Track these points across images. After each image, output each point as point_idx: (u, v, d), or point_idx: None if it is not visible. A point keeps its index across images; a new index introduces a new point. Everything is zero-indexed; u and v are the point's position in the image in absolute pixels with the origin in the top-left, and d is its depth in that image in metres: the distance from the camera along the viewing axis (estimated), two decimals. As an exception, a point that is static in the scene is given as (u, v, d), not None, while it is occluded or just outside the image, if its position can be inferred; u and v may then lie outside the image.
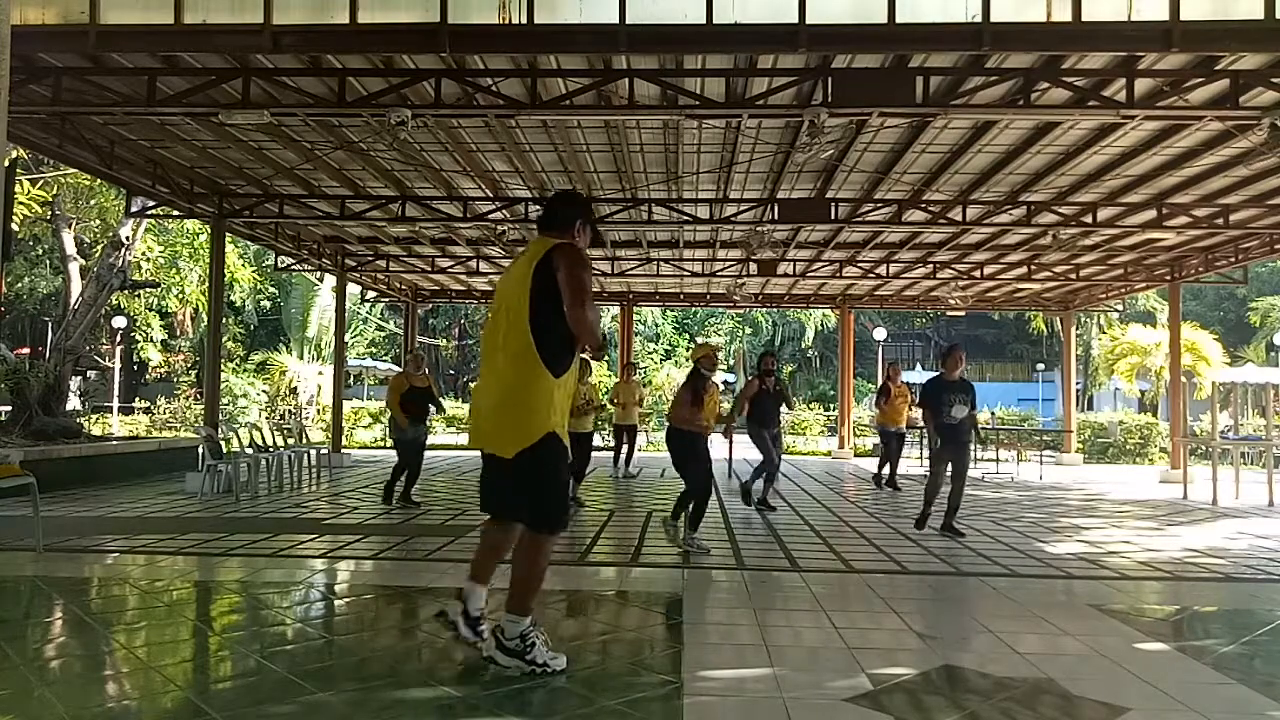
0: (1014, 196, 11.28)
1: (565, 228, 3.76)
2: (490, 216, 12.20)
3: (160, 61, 7.47)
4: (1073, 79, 7.15)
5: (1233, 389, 17.39)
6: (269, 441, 11.89)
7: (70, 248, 15.14)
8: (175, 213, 13.05)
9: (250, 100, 7.41)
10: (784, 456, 9.72)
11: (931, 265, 16.04)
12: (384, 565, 6.27)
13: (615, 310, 23.62)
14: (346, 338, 20.92)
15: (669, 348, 38.74)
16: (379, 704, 3.28)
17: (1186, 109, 7.36)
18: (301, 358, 28.14)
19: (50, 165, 13.88)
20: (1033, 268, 16.05)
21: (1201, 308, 36.09)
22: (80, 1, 6.39)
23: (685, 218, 12.02)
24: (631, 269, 16.48)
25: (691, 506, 6.72)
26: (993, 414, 20.94)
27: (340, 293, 17.44)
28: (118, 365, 25.66)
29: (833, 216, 11.87)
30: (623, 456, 13.15)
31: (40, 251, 25.62)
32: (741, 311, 34.10)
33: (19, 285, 26.25)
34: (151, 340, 28.24)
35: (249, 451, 10.72)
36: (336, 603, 5.24)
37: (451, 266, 17.02)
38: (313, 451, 12.84)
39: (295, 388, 25.80)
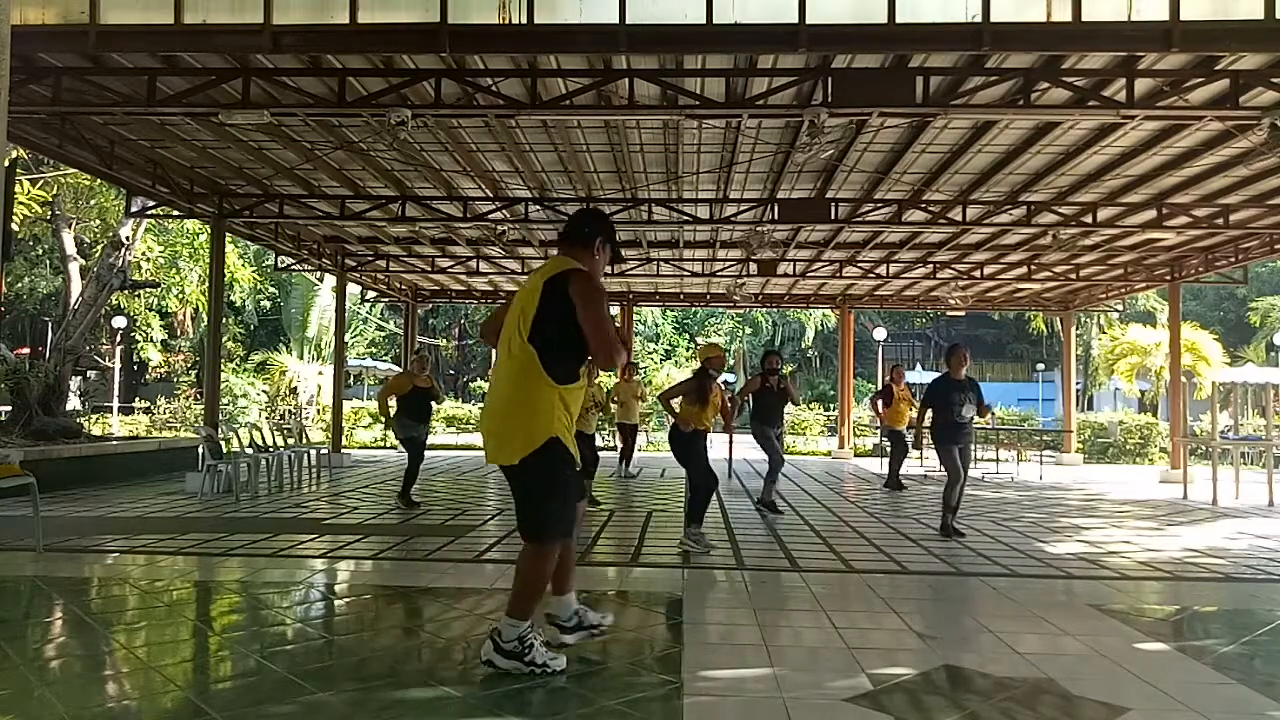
0: (1014, 196, 11.28)
1: (586, 245, 3.82)
2: (490, 216, 12.20)
3: (160, 61, 7.47)
4: (1073, 79, 7.15)
5: (1233, 389, 17.40)
6: (269, 441, 11.90)
7: (70, 248, 15.14)
8: (175, 213, 13.05)
9: (250, 100, 7.41)
10: (784, 456, 9.73)
11: (931, 265, 16.05)
12: (384, 565, 6.27)
13: (615, 310, 23.61)
14: (346, 338, 20.93)
15: (669, 348, 38.76)
16: (379, 704, 3.28)
17: (1186, 109, 7.36)
18: (301, 358, 28.15)
19: (50, 165, 13.88)
20: (1033, 268, 16.06)
21: (1201, 308, 36.09)
22: (80, 1, 6.39)
23: (685, 218, 12.03)
24: (631, 269, 16.49)
25: (691, 499, 6.78)
26: (993, 414, 20.93)
27: (340, 293, 17.45)
28: (118, 365, 25.65)
29: (833, 216, 11.87)
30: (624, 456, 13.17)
31: (40, 251, 25.63)
32: (741, 311, 34.12)
33: (19, 285, 26.26)
34: (151, 340, 28.24)
35: (249, 451, 10.73)
36: (336, 603, 5.24)
37: (451, 266, 17.03)
38: (313, 451, 12.84)
39: (295, 388, 25.81)
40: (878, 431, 16.79)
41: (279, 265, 18.44)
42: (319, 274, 24.12)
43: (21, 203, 13.23)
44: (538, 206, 11.84)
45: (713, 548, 6.74)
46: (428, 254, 16.10)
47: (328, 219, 12.84)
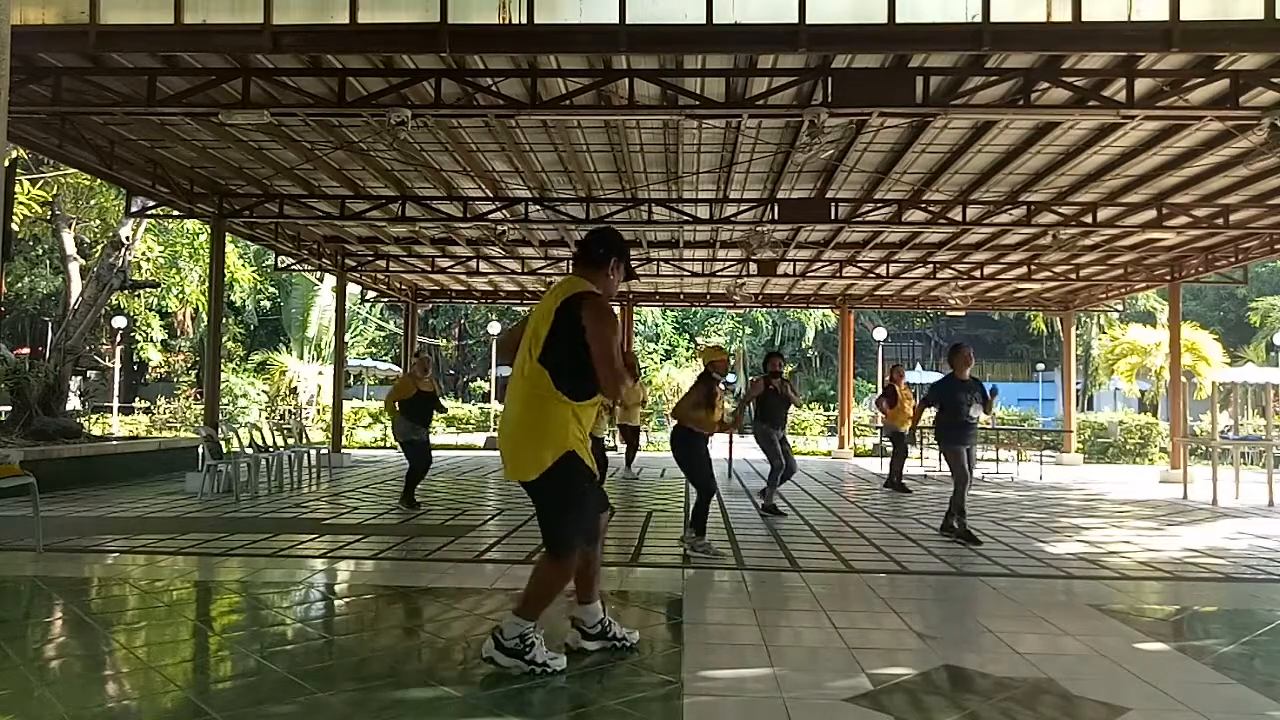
0: (1014, 196, 11.28)
1: (600, 266, 3.86)
2: (490, 216, 12.20)
3: (160, 61, 7.46)
4: (1073, 79, 7.15)
5: (1233, 389, 17.39)
6: (269, 441, 11.90)
7: (70, 248, 15.14)
8: (175, 213, 13.04)
9: (250, 100, 7.41)
10: (794, 461, 9.60)
11: (931, 265, 16.04)
12: (384, 565, 6.27)
13: (615, 310, 23.60)
14: (346, 338, 20.92)
15: (669, 348, 38.75)
16: (379, 704, 3.28)
17: (1186, 109, 7.36)
18: (301, 358, 28.14)
19: (50, 165, 13.88)
20: (1033, 268, 16.05)
21: (1201, 308, 36.09)
22: (80, 1, 6.39)
23: (685, 218, 12.02)
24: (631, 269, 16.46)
25: (696, 506, 6.74)
26: (997, 396, 20.93)
27: (340, 293, 17.45)
28: (118, 365, 25.64)
29: (833, 216, 11.87)
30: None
31: (40, 251, 25.64)
32: (741, 311, 34.10)
33: (19, 285, 26.26)
34: (151, 340, 28.25)
35: (249, 451, 10.73)
36: (336, 603, 5.24)
37: (451, 266, 17.02)
38: (313, 451, 12.84)
39: (295, 388, 25.80)
40: (878, 431, 16.79)
41: (279, 265, 18.43)
42: (319, 274, 24.11)
43: (21, 203, 13.23)
44: (538, 206, 11.85)
45: (721, 555, 6.64)
46: (428, 254, 16.10)
47: (328, 219, 12.83)
